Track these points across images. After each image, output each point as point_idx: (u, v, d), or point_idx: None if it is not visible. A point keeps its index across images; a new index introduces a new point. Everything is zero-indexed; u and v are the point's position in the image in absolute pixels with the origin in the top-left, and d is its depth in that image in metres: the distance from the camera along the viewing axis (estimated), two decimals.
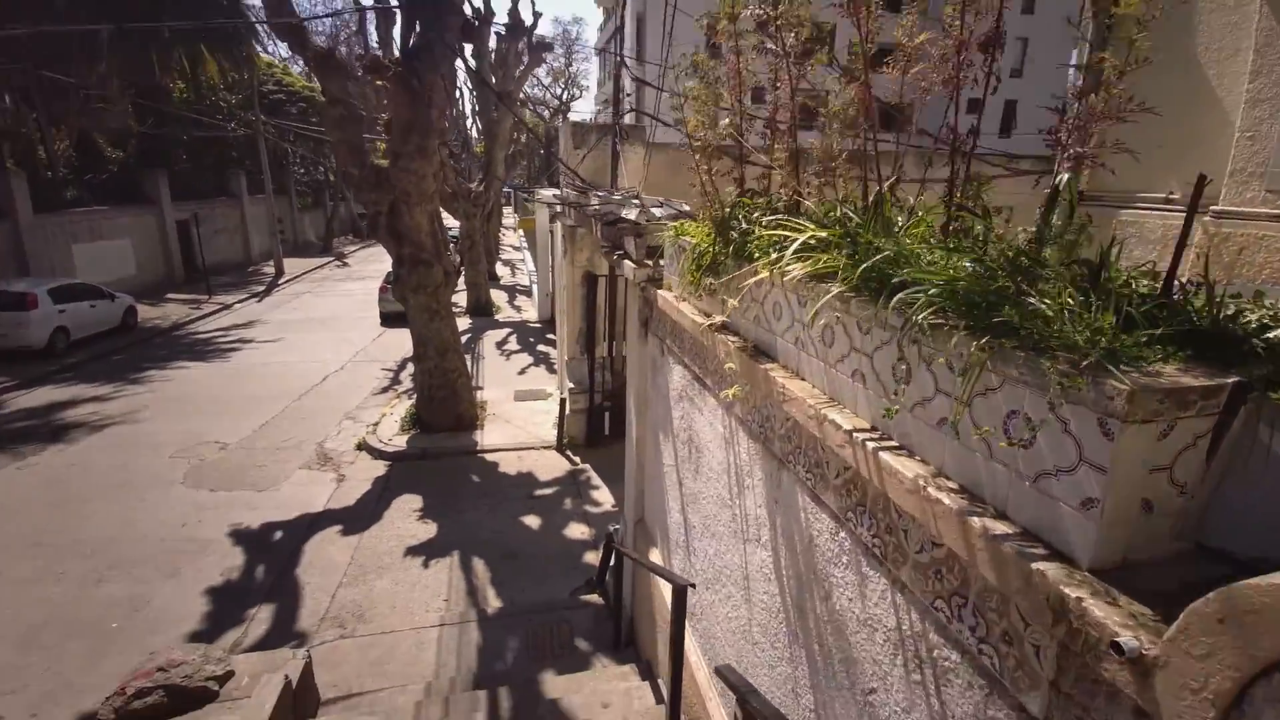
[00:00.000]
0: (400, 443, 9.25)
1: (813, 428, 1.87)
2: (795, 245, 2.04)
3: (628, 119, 8.55)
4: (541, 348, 15.24)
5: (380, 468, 8.74)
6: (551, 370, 13.38)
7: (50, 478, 8.32)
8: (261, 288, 22.92)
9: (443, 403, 9.63)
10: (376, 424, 9.98)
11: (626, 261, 4.25)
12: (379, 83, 8.68)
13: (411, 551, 6.70)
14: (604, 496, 7.85)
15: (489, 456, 8.98)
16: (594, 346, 8.83)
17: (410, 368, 13.77)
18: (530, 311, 19.38)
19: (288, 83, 31.55)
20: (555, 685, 4.41)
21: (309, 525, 7.24)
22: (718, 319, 2.81)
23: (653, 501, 4.28)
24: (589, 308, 8.88)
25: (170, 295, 20.79)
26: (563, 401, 8.95)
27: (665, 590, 3.95)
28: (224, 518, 7.39)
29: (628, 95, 8.36)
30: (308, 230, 34.94)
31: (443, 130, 8.97)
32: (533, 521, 7.26)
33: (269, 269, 26.35)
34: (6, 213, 15.76)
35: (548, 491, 7.98)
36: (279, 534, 7.08)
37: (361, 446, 9.33)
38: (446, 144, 18.04)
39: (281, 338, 15.99)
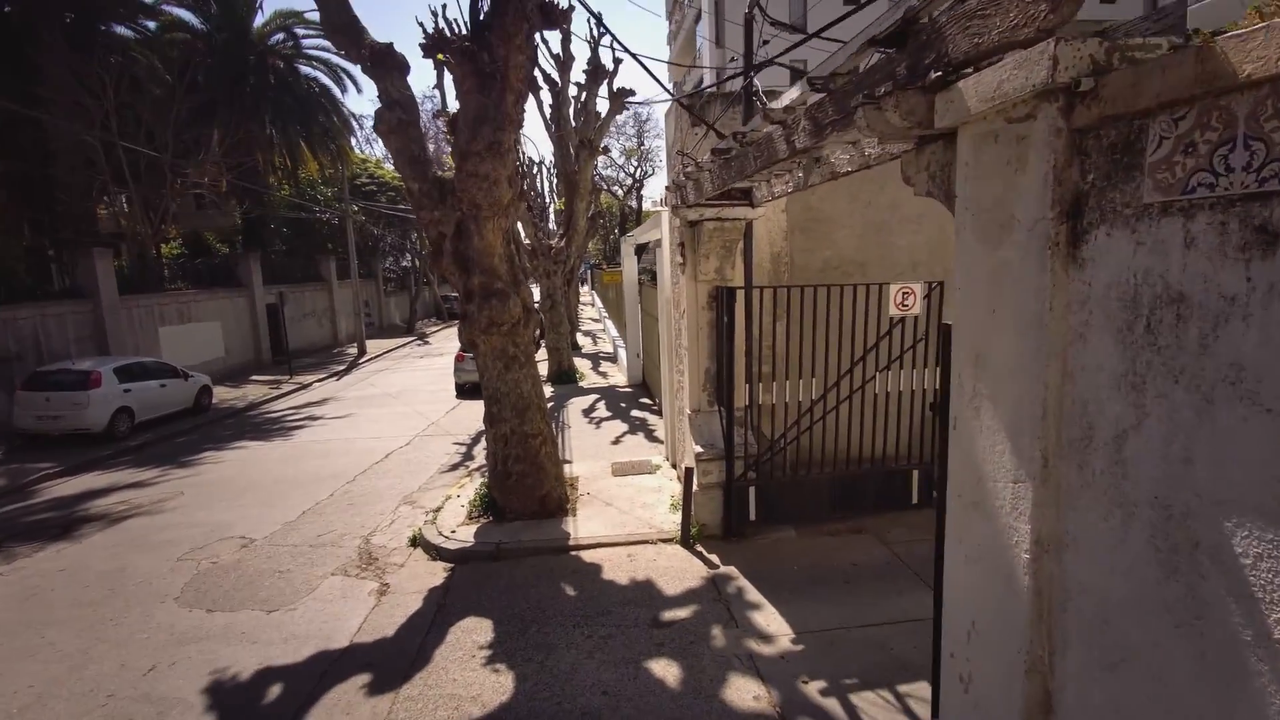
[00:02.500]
0: (466, 536, 6.62)
1: None
2: None
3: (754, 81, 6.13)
4: (636, 413, 12.60)
5: (438, 573, 6.10)
6: (651, 438, 10.67)
7: (25, 589, 6.17)
8: (342, 367, 21.80)
9: (521, 479, 7.01)
10: (438, 510, 7.44)
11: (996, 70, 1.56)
12: (440, 58, 6.77)
13: None
14: (773, 623, 4.82)
15: (587, 555, 6.18)
16: (731, 394, 6.06)
17: (484, 443, 11.42)
18: (617, 376, 16.95)
19: (379, 175, 32.35)
20: None
21: (322, 675, 4.59)
22: None
23: None
24: (721, 338, 6.19)
25: (254, 377, 19.86)
26: (688, 473, 6.12)
27: None
28: (209, 657, 4.88)
29: (765, 43, 5.96)
30: (393, 313, 34.85)
31: (520, 122, 6.89)
32: (666, 672, 4.31)
33: (353, 350, 25.59)
34: (88, 293, 15.14)
35: (681, 614, 5.04)
36: (275, 690, 4.46)
37: (416, 542, 6.77)
38: (526, 197, 16.54)
39: (350, 414, 14.19)
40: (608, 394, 14.62)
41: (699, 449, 6.23)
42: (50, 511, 8.62)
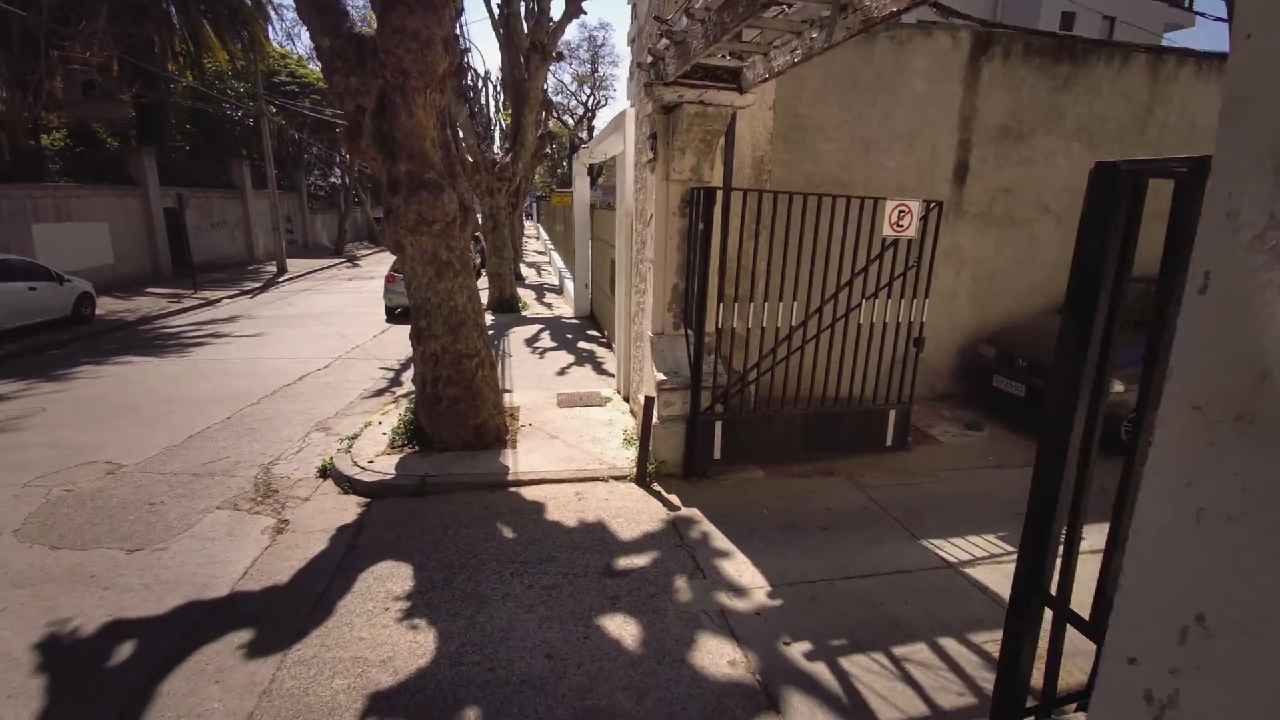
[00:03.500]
0: (386, 467, 5.66)
1: None
2: None
3: None
4: (583, 345, 11.70)
5: (350, 509, 5.15)
6: (600, 370, 9.84)
7: None
8: (258, 285, 19.65)
9: (453, 405, 6.05)
10: (354, 438, 6.41)
11: None
12: None
13: (377, 708, 3.07)
14: (745, 573, 4.17)
15: (528, 492, 5.36)
16: (702, 315, 5.23)
17: None
18: (563, 308, 15.89)
19: (301, 74, 28.89)
20: None
21: (190, 630, 3.64)
22: None
23: None
24: (693, 250, 5.31)
25: (150, 289, 17.58)
26: (648, 403, 5.32)
27: None
28: (47, 604, 3.83)
29: None
30: (320, 233, 32.01)
31: None
32: (623, 630, 3.61)
33: (272, 267, 23.27)
34: None
35: (639, 562, 4.33)
36: (127, 648, 3.49)
37: (326, 472, 5.76)
38: (466, 73, 14.79)
39: (263, 333, 12.62)
40: (552, 325, 13.60)
41: (661, 376, 5.43)
42: None
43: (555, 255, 24.25)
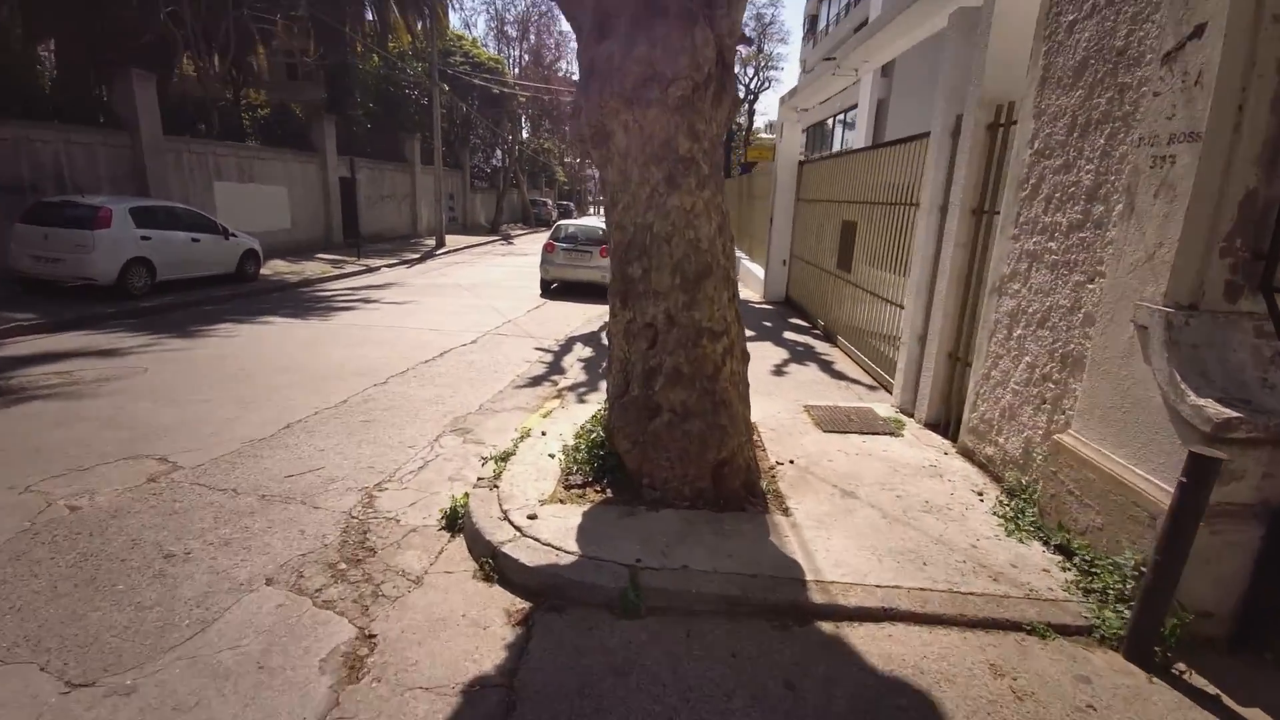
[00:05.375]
0: (559, 531, 2.94)
1: None
2: None
3: None
4: (791, 335, 8.60)
5: (492, 627, 2.47)
6: (831, 371, 6.70)
7: None
8: (416, 256, 18.68)
9: (683, 421, 3.20)
10: (505, 458, 3.79)
11: None
12: None
13: None
14: None
15: (859, 638, 2.36)
16: None
17: (579, 350, 7.78)
18: (746, 293, 12.87)
19: (474, 54, 28.41)
20: None
21: None
22: None
23: None
24: None
25: (319, 255, 17.06)
26: (1194, 469, 2.10)
27: None
28: None
29: None
30: (478, 212, 31.64)
31: None
32: None
33: (431, 241, 22.62)
34: (126, 125, 12.24)
35: None
36: None
37: (455, 523, 3.17)
38: None
39: (411, 301, 10.91)
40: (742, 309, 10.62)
41: (1222, 413, 2.18)
42: None
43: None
